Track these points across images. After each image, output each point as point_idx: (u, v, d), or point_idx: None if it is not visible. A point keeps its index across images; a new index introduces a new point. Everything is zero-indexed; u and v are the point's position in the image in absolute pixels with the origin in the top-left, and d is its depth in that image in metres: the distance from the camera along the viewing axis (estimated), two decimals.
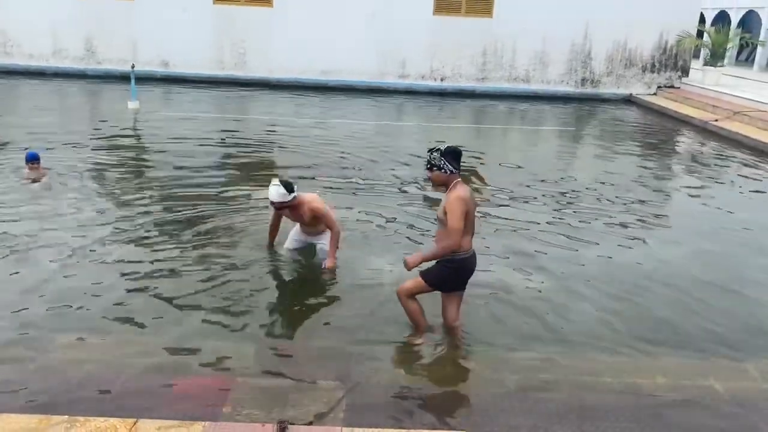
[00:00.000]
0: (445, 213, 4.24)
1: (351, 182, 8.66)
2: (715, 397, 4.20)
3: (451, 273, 4.43)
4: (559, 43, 18.19)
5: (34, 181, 7.82)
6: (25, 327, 4.60)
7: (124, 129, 11.58)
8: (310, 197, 5.65)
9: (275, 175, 7.07)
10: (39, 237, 6.17)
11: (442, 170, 4.29)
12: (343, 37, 17.68)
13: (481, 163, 10.38)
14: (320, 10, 17.60)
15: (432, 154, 4.33)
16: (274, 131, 12.14)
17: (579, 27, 18.11)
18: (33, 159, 7.91)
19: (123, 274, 5.49)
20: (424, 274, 4.50)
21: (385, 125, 13.73)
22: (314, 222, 5.70)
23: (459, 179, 4.33)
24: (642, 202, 8.53)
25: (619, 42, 18.39)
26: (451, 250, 4.27)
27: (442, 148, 4.32)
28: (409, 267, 4.35)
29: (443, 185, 4.36)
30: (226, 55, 18.02)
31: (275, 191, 5.36)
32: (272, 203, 5.46)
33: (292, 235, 6.03)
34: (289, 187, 5.39)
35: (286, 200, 5.40)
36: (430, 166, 4.34)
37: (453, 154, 4.29)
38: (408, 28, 17.76)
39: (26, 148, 8.48)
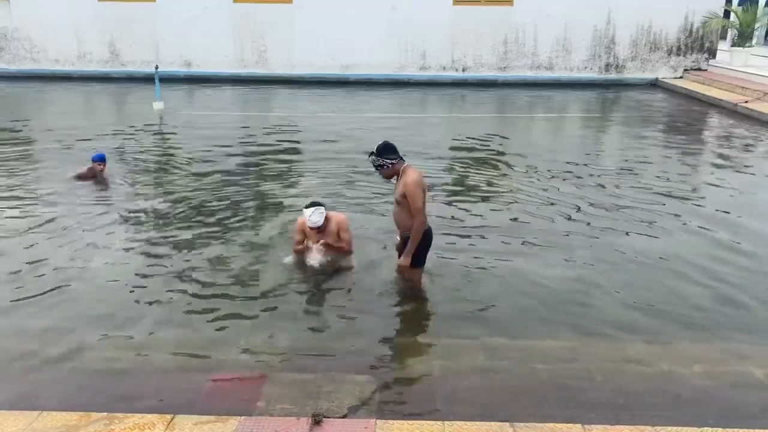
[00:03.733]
0: (403, 196, 4.73)
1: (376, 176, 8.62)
2: (755, 384, 4.12)
3: (425, 247, 5.01)
4: (582, 29, 17.92)
5: (96, 180, 8.16)
6: (63, 326, 4.69)
7: (150, 130, 11.72)
8: (336, 213, 5.79)
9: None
10: (75, 236, 6.31)
11: (385, 166, 4.78)
12: (362, 31, 17.65)
13: (502, 152, 10.29)
14: (339, 4, 17.59)
15: (371, 158, 4.82)
16: (296, 127, 12.17)
17: (601, 12, 17.82)
18: (100, 159, 8.28)
19: (158, 274, 5.57)
20: (413, 264, 4.98)
21: (409, 118, 13.68)
22: (337, 238, 5.64)
23: (405, 164, 4.83)
24: (673, 187, 8.36)
25: (643, 26, 18.05)
26: (423, 228, 4.80)
27: (374, 149, 4.78)
28: (408, 267, 4.96)
29: (394, 175, 4.85)
30: (247, 53, 18.11)
31: (318, 216, 5.39)
32: (317, 228, 5.44)
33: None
34: (321, 205, 5.48)
35: (324, 218, 5.44)
36: (376, 167, 4.83)
37: (386, 149, 4.77)
38: (428, 20, 17.66)
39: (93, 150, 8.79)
